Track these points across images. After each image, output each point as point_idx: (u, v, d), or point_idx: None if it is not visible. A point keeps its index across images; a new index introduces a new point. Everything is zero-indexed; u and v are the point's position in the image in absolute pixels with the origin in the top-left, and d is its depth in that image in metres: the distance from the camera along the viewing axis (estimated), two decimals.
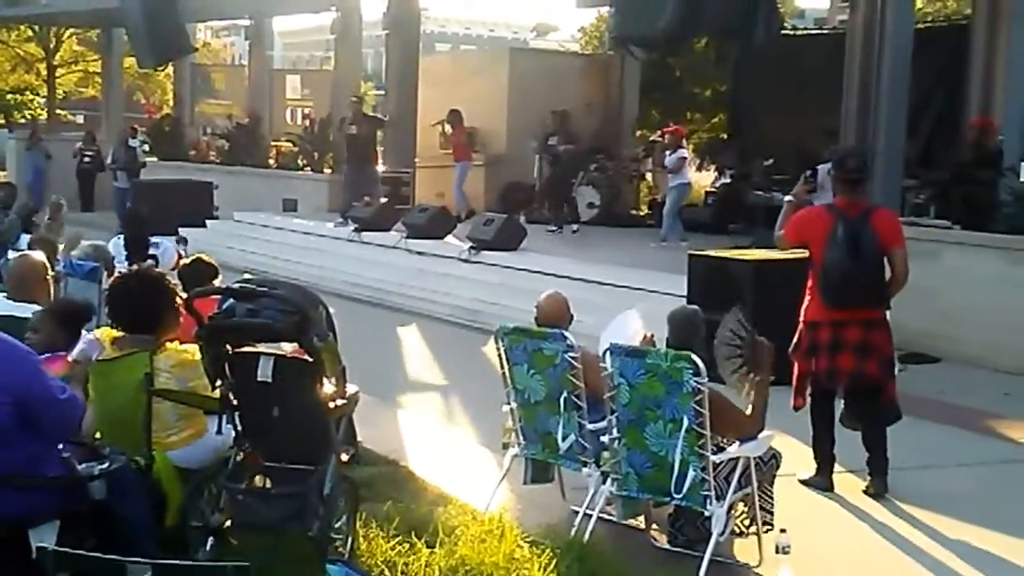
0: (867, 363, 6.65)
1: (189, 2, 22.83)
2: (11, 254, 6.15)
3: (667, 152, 16.26)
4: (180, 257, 8.19)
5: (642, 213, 20.53)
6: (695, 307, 6.00)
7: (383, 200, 17.20)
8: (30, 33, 35.14)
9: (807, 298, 6.79)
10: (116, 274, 5.57)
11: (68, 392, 4.29)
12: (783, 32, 17.21)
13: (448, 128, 19.30)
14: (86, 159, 24.61)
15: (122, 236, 9.80)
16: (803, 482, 6.73)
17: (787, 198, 7.29)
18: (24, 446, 4.08)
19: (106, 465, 4.32)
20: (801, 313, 6.80)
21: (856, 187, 6.85)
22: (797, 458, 6.61)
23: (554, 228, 16.76)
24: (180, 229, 16.92)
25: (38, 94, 37.92)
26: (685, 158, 15.97)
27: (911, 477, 6.79)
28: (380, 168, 18.44)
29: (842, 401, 6.90)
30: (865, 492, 6.61)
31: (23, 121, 36.17)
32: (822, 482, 6.70)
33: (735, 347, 5.53)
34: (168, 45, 21.72)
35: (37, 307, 5.39)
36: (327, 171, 21.25)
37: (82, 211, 23.10)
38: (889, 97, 11.71)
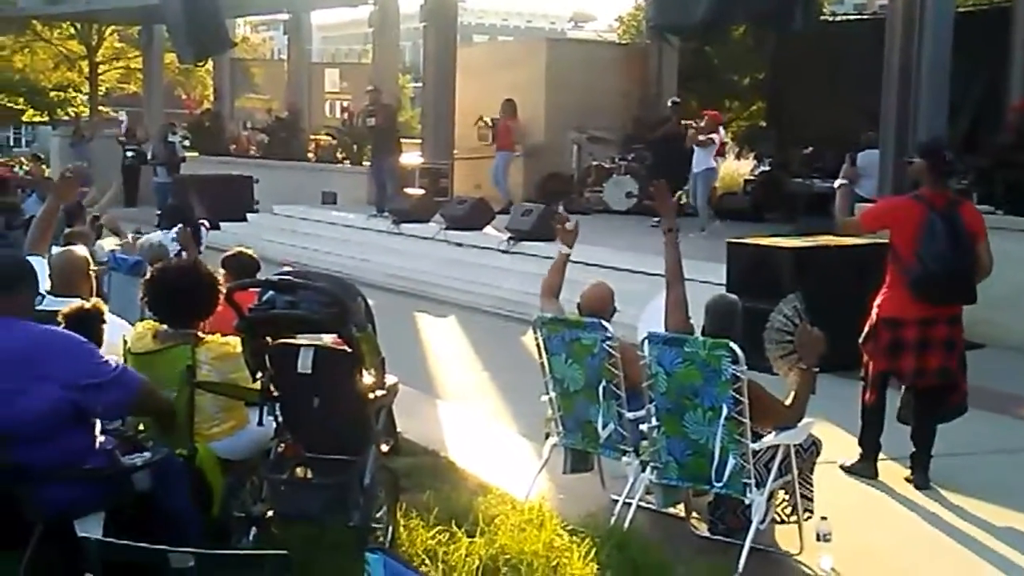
0: (951, 360, 6.57)
1: None
2: (55, 249, 6.20)
3: (700, 135, 16.15)
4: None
5: (681, 202, 20.43)
6: (735, 296, 5.98)
7: (416, 191, 17.21)
8: (72, 31, 35.49)
9: (887, 292, 6.60)
10: (154, 267, 5.59)
11: (123, 371, 4.35)
12: (822, 18, 17.09)
13: (488, 121, 19.29)
14: (128, 154, 24.84)
15: (172, 229, 9.86)
16: (846, 469, 6.69)
17: (839, 183, 7.14)
18: (71, 439, 4.14)
19: (149, 457, 4.37)
20: (878, 307, 6.62)
21: (947, 179, 6.77)
22: (837, 446, 6.57)
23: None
24: (221, 223, 17.08)
25: (80, 91, 38.28)
26: (714, 140, 15.81)
27: (954, 464, 6.74)
28: (404, 159, 18.47)
29: (902, 394, 6.78)
30: (907, 480, 6.57)
31: (66, 118, 36.53)
32: (867, 469, 6.64)
33: (786, 332, 5.51)
34: (208, 40, 21.84)
35: (79, 301, 5.44)
36: (366, 164, 21.34)
37: (126, 206, 23.32)
38: (930, 82, 11.59)
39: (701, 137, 15.57)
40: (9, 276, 4.34)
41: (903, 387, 6.73)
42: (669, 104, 18.28)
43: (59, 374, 4.11)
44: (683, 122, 17.28)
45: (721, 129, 19.34)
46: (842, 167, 7.47)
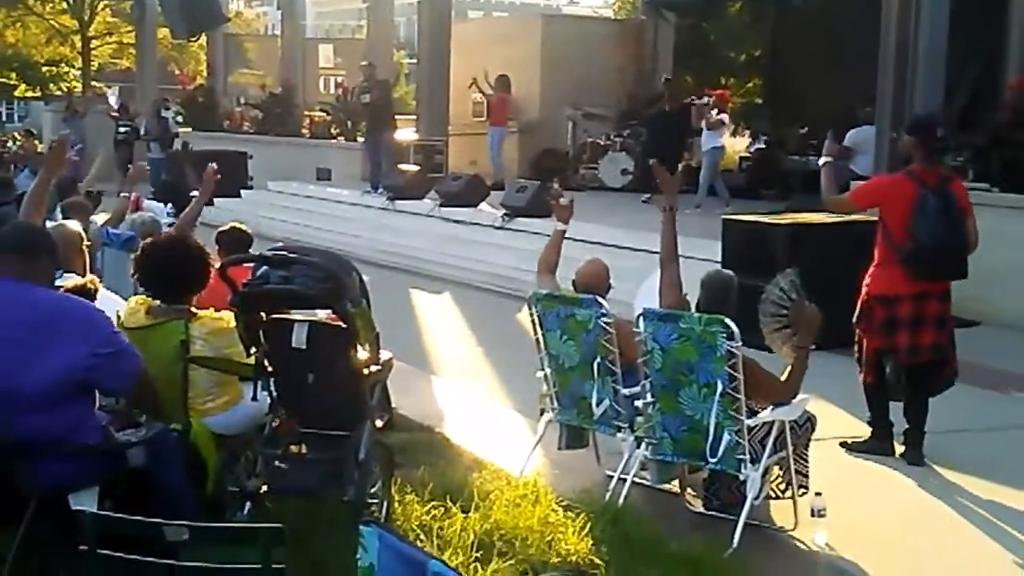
0: (942, 336, 6.58)
1: None
2: (48, 224, 6.17)
3: (711, 113, 16.15)
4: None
5: (656, 173, 20.39)
6: (730, 272, 5.97)
7: (411, 167, 17.18)
8: (64, 5, 35.31)
9: (877, 270, 6.60)
10: (144, 242, 5.58)
11: (130, 345, 4.37)
12: None
13: (487, 89, 19.21)
14: (121, 130, 24.75)
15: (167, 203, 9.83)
16: (856, 448, 6.66)
17: (824, 160, 7.06)
18: (67, 413, 4.12)
19: (144, 432, 4.36)
20: (869, 285, 6.62)
21: (939, 155, 6.75)
22: (832, 422, 6.58)
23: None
24: (215, 199, 17.01)
25: (73, 66, 38.11)
26: (724, 122, 15.84)
27: (948, 441, 6.75)
28: (399, 135, 18.44)
29: (888, 371, 6.78)
30: (900, 457, 6.58)
31: (59, 93, 36.39)
32: (884, 447, 6.61)
33: (782, 306, 5.50)
34: (201, 16, 21.80)
35: (74, 276, 5.42)
36: (360, 140, 21.30)
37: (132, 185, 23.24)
38: (926, 58, 11.55)
39: (713, 118, 15.60)
40: (32, 242, 4.37)
41: (888, 364, 6.74)
42: (662, 81, 18.24)
43: (79, 339, 4.13)
44: (688, 100, 17.27)
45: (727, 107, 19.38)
46: (824, 144, 7.38)
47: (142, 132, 23.10)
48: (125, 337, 4.40)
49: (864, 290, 6.64)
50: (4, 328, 4.07)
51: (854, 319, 6.67)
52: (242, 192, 19.94)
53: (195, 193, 7.13)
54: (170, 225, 7.99)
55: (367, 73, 18.16)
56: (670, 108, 16.87)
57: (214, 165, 7.16)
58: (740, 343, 5.06)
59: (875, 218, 6.86)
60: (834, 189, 6.98)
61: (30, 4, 34.70)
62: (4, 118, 47.66)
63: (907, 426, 6.61)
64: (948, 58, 11.81)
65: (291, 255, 4.89)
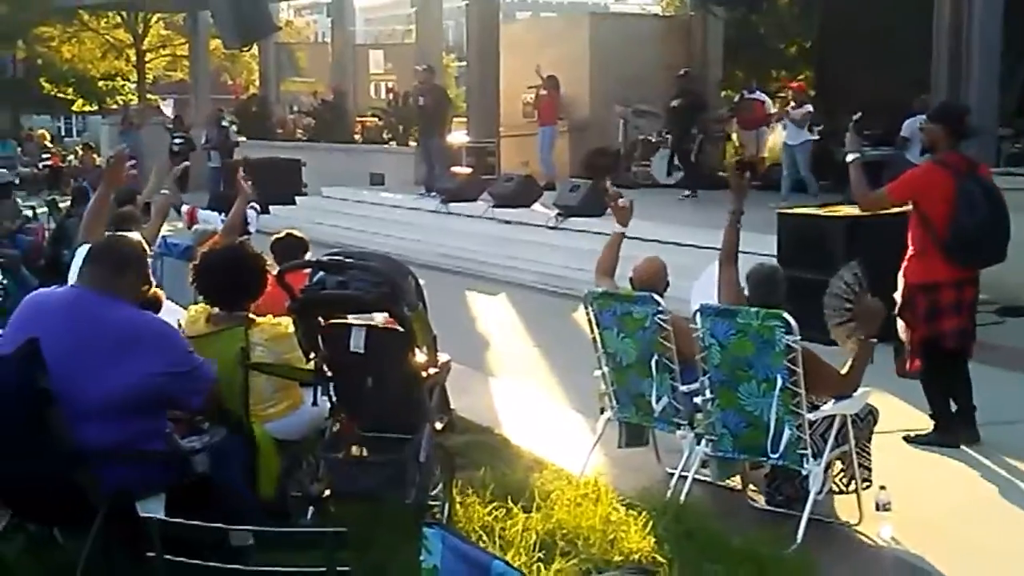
0: (974, 319, 6.60)
1: None
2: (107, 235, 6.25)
3: (791, 106, 16.07)
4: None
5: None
6: (775, 264, 5.93)
7: (463, 170, 17.24)
8: (119, 20, 35.78)
9: (915, 259, 6.55)
10: (200, 251, 5.65)
11: (203, 362, 4.43)
12: None
13: (543, 92, 19.30)
14: (176, 141, 25.04)
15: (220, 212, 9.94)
16: (919, 441, 6.59)
17: (852, 156, 6.85)
18: (133, 424, 4.18)
19: (207, 439, 4.42)
20: (908, 274, 6.58)
21: (964, 141, 6.73)
22: (894, 415, 6.51)
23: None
24: (271, 207, 17.20)
25: (128, 79, 38.61)
26: (811, 112, 15.72)
27: (1009, 431, 6.65)
28: (451, 138, 18.55)
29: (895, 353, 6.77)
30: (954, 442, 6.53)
31: (115, 107, 36.88)
32: (948, 439, 6.55)
33: (846, 299, 5.45)
34: (252, 26, 21.96)
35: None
36: (412, 144, 21.39)
37: (178, 183, 23.49)
38: (981, 44, 11.42)
39: (795, 115, 15.55)
40: (120, 256, 4.44)
41: (895, 346, 6.69)
42: (678, 75, 18.06)
43: (155, 358, 4.20)
44: (740, 94, 17.32)
45: (768, 99, 19.23)
46: (847, 137, 7.14)
47: (203, 141, 23.35)
48: (199, 356, 4.46)
49: (903, 280, 6.60)
50: (80, 337, 4.14)
51: (897, 310, 6.61)
52: (296, 199, 20.10)
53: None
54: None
55: (423, 78, 18.26)
56: (679, 103, 16.96)
57: (242, 172, 7.30)
58: (798, 336, 5.02)
59: None
60: (865, 186, 6.81)
61: (85, 20, 35.20)
62: (63, 133, 48.40)
63: (956, 408, 6.57)
64: (1003, 44, 11.65)
65: (347, 260, 4.93)
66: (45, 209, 16.03)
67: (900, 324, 6.61)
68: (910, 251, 6.61)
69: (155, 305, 4.80)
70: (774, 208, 12.44)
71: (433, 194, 17.14)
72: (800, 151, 15.51)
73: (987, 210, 6.41)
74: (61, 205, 14.99)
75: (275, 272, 5.24)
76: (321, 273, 4.93)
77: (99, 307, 4.24)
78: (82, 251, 5.61)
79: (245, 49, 28.70)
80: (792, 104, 16.04)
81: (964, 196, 6.38)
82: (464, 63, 26.64)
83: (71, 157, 33.23)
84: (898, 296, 6.59)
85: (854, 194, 6.99)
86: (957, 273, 6.48)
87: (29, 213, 16.59)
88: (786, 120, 16.02)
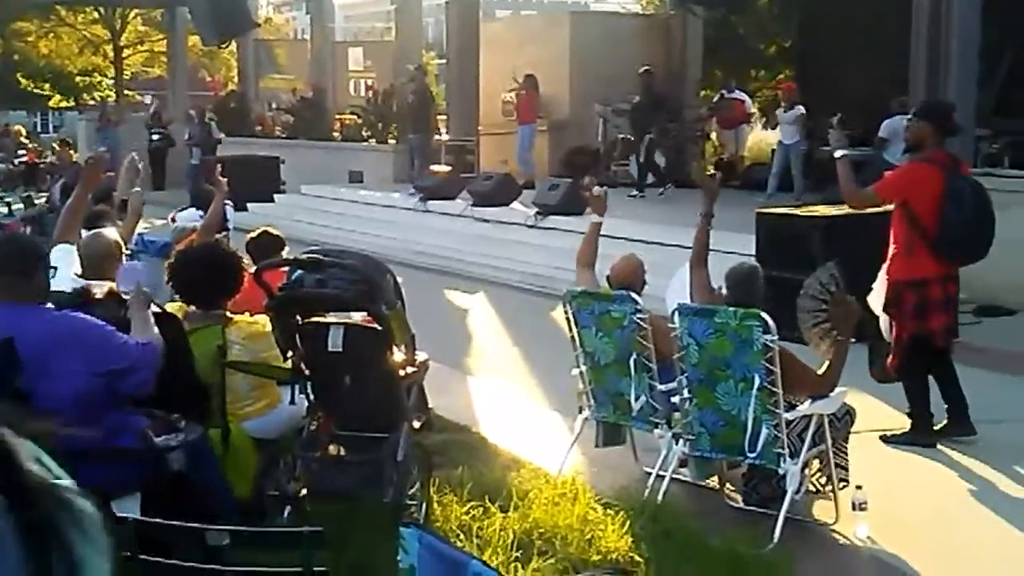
0: (957, 316, 6.69)
1: None
2: (85, 233, 6.22)
3: (781, 108, 16.11)
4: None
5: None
6: (754, 263, 5.94)
7: (442, 168, 17.25)
8: (96, 15, 35.59)
9: (901, 257, 6.55)
10: (175, 250, 5.63)
11: (143, 348, 4.32)
12: None
13: (522, 92, 19.35)
14: (154, 137, 24.93)
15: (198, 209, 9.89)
16: (896, 441, 6.62)
17: (840, 153, 6.85)
18: (106, 420, 4.16)
19: (183, 436, 4.39)
20: (893, 271, 6.58)
21: (949, 138, 6.80)
22: (870, 414, 6.53)
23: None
24: (248, 204, 17.13)
25: (106, 75, 38.42)
26: (804, 114, 15.75)
27: (985, 431, 6.68)
28: (438, 136, 18.68)
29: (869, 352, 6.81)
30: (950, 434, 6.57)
31: (92, 103, 36.69)
32: (925, 439, 6.57)
33: (821, 300, 5.46)
34: (230, 22, 21.92)
35: (109, 283, 5.46)
36: (391, 142, 21.35)
37: (154, 189, 23.42)
38: (959, 44, 11.45)
39: (785, 118, 15.62)
40: (25, 260, 4.28)
41: (868, 344, 6.72)
42: (641, 72, 18.07)
43: (84, 362, 4.13)
44: (719, 94, 17.35)
45: (748, 99, 19.28)
46: (831, 135, 7.17)
47: (185, 138, 23.25)
48: (136, 342, 4.32)
49: (887, 278, 6.61)
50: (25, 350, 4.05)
51: (883, 307, 6.62)
52: (275, 197, 20.04)
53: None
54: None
55: (412, 76, 18.38)
56: (639, 101, 17.04)
57: (219, 168, 7.31)
58: (776, 336, 5.03)
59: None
60: (853, 183, 6.82)
61: (62, 15, 35.01)
62: (39, 129, 48.13)
63: (948, 406, 6.60)
64: (981, 45, 11.70)
65: (325, 258, 4.91)
66: (21, 205, 15.96)
67: (884, 322, 6.63)
68: (893, 249, 6.61)
69: (120, 303, 4.74)
70: (761, 206, 12.50)
71: (412, 191, 17.15)
72: (794, 151, 15.55)
73: (974, 207, 6.48)
74: (37, 201, 14.91)
75: (252, 270, 5.22)
76: (299, 271, 4.91)
77: (16, 319, 4.09)
78: (57, 251, 5.58)
79: (224, 46, 28.58)
80: (783, 105, 16.07)
81: (953, 193, 6.43)
82: (444, 61, 26.59)
83: (48, 153, 33.03)
84: (879, 295, 6.61)
85: (843, 191, 6.96)
86: (943, 269, 6.54)
87: (4, 209, 16.52)
88: (779, 121, 16.10)
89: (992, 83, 14.92)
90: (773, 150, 19.27)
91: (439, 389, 6.58)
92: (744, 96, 19.70)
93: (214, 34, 23.08)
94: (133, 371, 4.23)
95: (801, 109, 15.73)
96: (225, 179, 7.31)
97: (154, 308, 5.38)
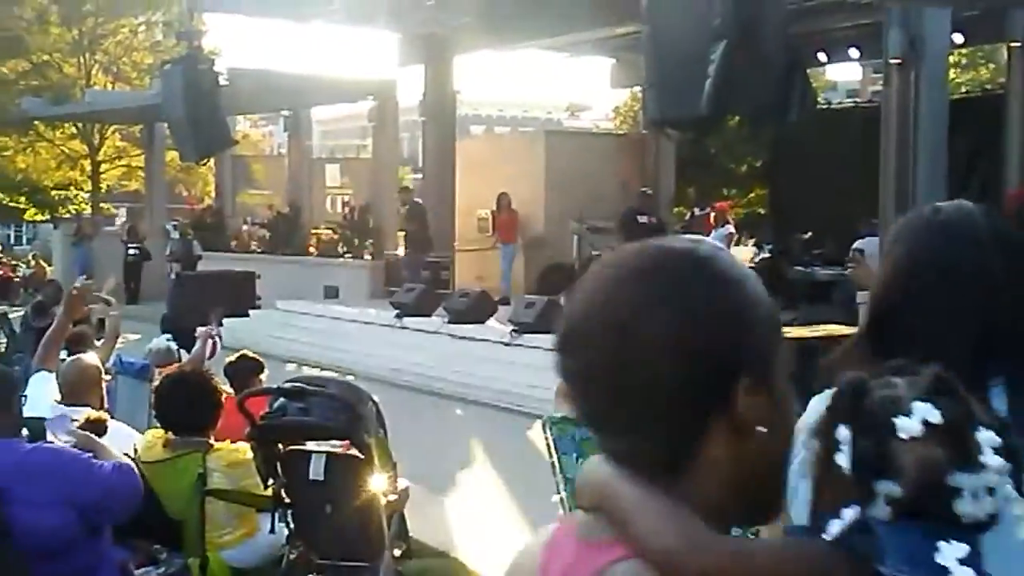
0: None
1: (230, 98, 23.31)
2: (66, 356, 6.21)
3: (715, 228, 16.38)
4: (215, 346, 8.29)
5: None
6: None
7: (419, 285, 17.39)
8: (74, 131, 35.86)
9: None
10: (159, 376, 5.67)
11: (121, 473, 4.26)
12: (817, 106, 17.31)
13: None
14: (131, 252, 24.99)
15: (170, 335, 9.91)
16: None
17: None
18: (83, 555, 4.11)
19: (163, 570, 4.35)
20: None
21: None
22: None
23: None
24: (224, 320, 17.09)
25: (82, 189, 38.58)
26: (733, 234, 16.03)
27: None
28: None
29: None
30: None
31: (67, 216, 36.75)
32: None
33: None
34: (210, 139, 22.03)
35: (89, 410, 5.43)
36: (367, 258, 21.49)
37: (128, 303, 23.38)
38: (927, 170, 11.73)
39: (716, 236, 15.85)
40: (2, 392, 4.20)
41: None
42: (639, 194, 18.33)
43: (57, 493, 4.07)
44: (690, 212, 17.62)
45: (730, 218, 19.63)
46: (852, 271, 7.33)
47: (166, 253, 23.37)
48: (111, 468, 4.25)
49: None
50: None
51: None
52: (250, 312, 20.03)
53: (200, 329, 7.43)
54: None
55: (404, 199, 19.03)
56: (650, 221, 17.21)
57: (211, 330, 7.79)
58: None
59: None
60: None
61: (40, 131, 35.24)
62: (13, 241, 48.11)
63: None
64: (951, 168, 11.97)
65: (308, 387, 4.92)
66: None
67: None
68: None
69: (101, 429, 4.72)
70: None
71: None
72: None
73: None
74: (11, 316, 14.83)
75: (235, 398, 5.22)
76: (281, 399, 4.92)
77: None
78: (37, 379, 5.57)
79: (203, 163, 28.85)
80: (716, 224, 16.41)
81: None
82: (418, 176, 26.92)
83: (22, 266, 33.00)
84: None
85: None
86: None
87: None
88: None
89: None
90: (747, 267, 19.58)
91: (416, 512, 6.51)
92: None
93: (194, 152, 23.20)
94: (112, 496, 4.17)
95: (730, 228, 16.05)
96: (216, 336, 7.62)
97: (132, 436, 5.39)
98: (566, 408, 6.16)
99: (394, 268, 19.31)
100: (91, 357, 5.94)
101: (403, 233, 19.39)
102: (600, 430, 1.35)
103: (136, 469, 4.38)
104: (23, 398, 4.64)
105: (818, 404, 1.68)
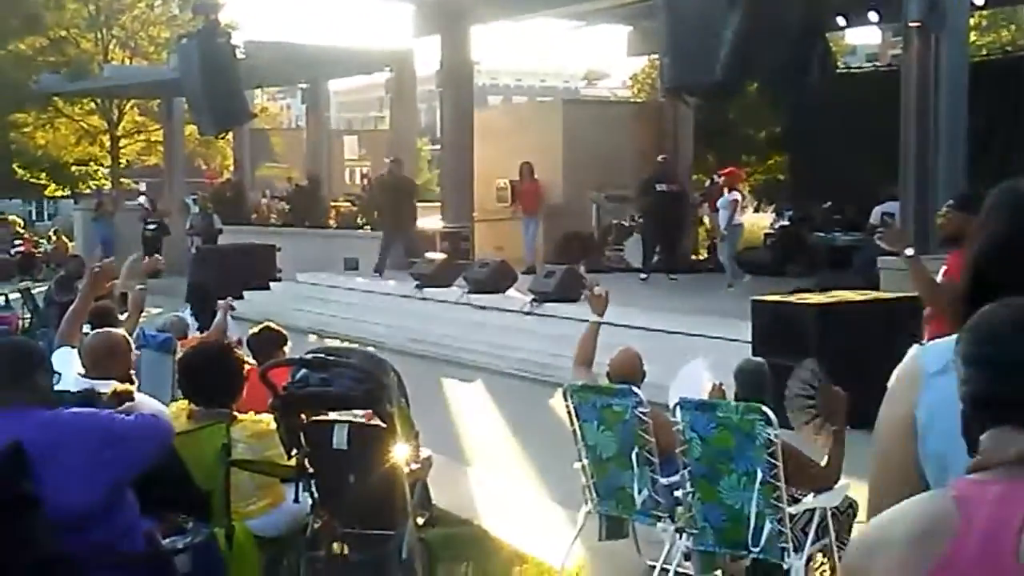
0: None
1: (248, 71, 23.30)
2: (86, 328, 6.26)
3: (724, 192, 16.35)
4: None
5: (701, 258, 20.53)
6: (762, 360, 5.98)
7: (438, 255, 17.41)
8: (93, 106, 35.96)
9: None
10: (183, 348, 5.71)
11: (145, 417, 4.28)
12: (837, 71, 17.19)
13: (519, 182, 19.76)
14: (149, 227, 25.07)
15: (189, 307, 9.98)
16: None
17: (910, 252, 6.11)
18: (111, 524, 4.15)
19: (189, 539, 4.39)
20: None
21: None
22: None
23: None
24: (245, 293, 17.19)
25: (102, 165, 38.71)
26: (737, 200, 15.98)
27: None
28: (425, 223, 19.50)
29: None
30: None
31: (88, 191, 36.89)
32: None
33: (807, 398, 5.50)
34: (228, 113, 22.08)
35: (115, 383, 5.46)
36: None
37: (148, 277, 23.46)
38: (948, 134, 11.64)
39: (721, 203, 15.86)
40: (22, 366, 4.11)
41: None
42: (658, 160, 18.33)
43: (83, 456, 4.09)
44: (709, 180, 17.66)
45: (739, 184, 19.55)
46: (875, 229, 7.22)
47: (187, 227, 23.46)
48: (136, 416, 4.26)
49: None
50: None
51: None
52: (271, 285, 20.13)
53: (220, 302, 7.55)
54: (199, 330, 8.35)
55: (390, 168, 18.94)
56: (670, 188, 17.20)
57: (230, 301, 8.11)
58: (779, 430, 5.06)
59: (909, 294, 6.83)
60: (929, 282, 6.03)
61: (59, 107, 35.35)
62: (34, 217, 48.34)
63: None
64: (972, 133, 11.87)
65: (330, 358, 4.95)
66: (18, 295, 15.97)
67: None
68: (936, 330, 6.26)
69: (126, 402, 4.74)
70: (722, 294, 12.57)
71: (376, 273, 17.44)
72: (729, 235, 15.81)
73: None
74: (35, 292, 14.93)
75: (258, 369, 5.26)
76: (304, 370, 4.95)
77: (15, 427, 3.94)
78: (61, 354, 5.61)
79: (221, 136, 28.88)
80: (725, 190, 16.35)
81: None
82: (437, 146, 26.90)
83: (43, 242, 33.17)
84: None
85: (921, 293, 6.20)
86: None
87: (2, 301, 16.53)
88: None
89: (982, 170, 15.10)
90: (767, 234, 19.52)
91: (439, 481, 6.57)
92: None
93: (212, 125, 23.24)
94: (138, 429, 4.17)
95: (736, 195, 16.01)
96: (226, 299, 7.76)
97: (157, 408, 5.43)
98: (584, 375, 6.20)
99: (414, 239, 19.29)
100: (118, 330, 5.98)
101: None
102: None
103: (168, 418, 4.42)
104: (55, 374, 4.64)
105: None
